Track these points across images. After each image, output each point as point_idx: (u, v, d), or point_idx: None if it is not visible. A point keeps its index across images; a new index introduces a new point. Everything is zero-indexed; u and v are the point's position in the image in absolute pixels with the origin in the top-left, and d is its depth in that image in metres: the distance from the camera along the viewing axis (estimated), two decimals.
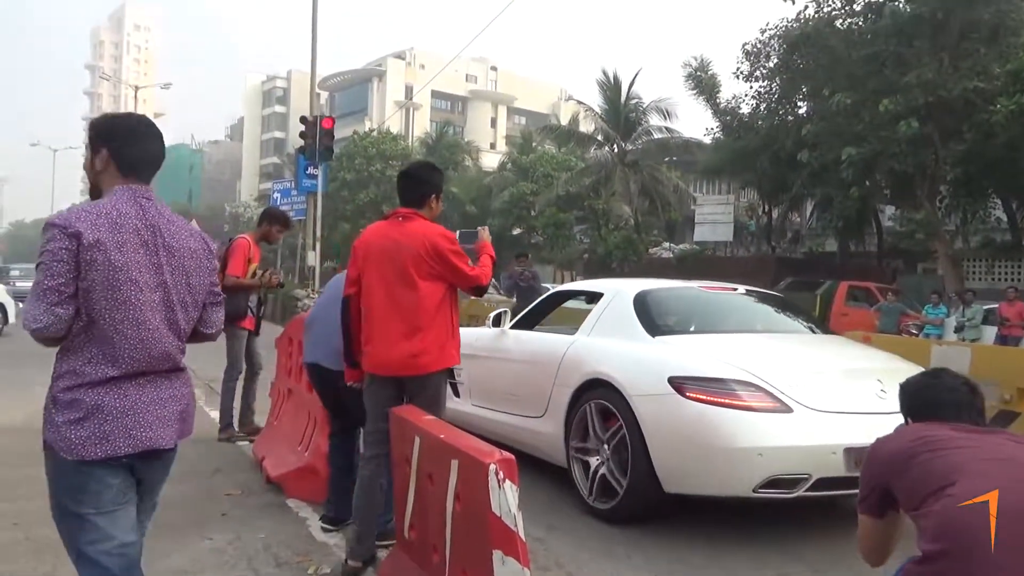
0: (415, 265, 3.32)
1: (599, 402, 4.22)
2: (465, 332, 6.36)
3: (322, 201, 38.47)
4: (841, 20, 18.95)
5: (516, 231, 36.43)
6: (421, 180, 3.57)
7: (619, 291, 4.80)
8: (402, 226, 3.42)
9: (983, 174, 17.29)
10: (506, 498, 2.34)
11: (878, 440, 2.07)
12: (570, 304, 6.22)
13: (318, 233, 19.00)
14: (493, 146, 65.71)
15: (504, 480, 2.35)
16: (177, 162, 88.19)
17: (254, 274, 5.85)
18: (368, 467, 3.42)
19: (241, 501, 4.42)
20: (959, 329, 14.28)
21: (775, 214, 26.89)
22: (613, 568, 3.58)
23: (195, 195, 77.42)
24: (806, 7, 18.92)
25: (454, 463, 2.61)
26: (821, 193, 20.87)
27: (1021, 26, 16.01)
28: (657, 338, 4.31)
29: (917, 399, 2.08)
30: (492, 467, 2.34)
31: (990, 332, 13.82)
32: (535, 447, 4.89)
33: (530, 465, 5.04)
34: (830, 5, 18.71)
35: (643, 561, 3.66)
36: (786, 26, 20.01)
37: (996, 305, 13.99)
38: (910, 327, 15.38)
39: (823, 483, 3.72)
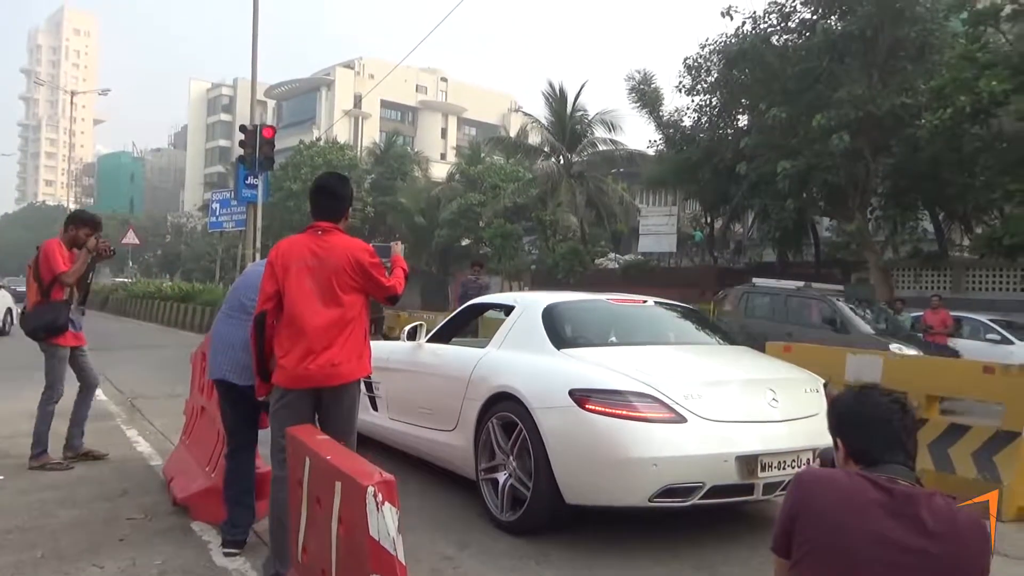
0: (338, 279, 3.38)
1: (504, 415, 4.23)
2: (381, 345, 6.36)
3: (266, 211, 37.91)
4: (777, 37, 19.49)
5: (465, 242, 36.45)
6: (339, 195, 3.59)
7: (529, 304, 4.84)
8: (323, 240, 3.45)
9: (911, 187, 17.92)
10: (385, 521, 2.30)
11: (807, 479, 1.89)
12: (494, 315, 6.24)
13: (258, 244, 18.69)
14: (443, 156, 65.72)
15: (383, 503, 2.31)
16: (118, 170, 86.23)
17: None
18: (282, 488, 3.32)
19: (142, 525, 4.28)
20: None
21: (717, 225, 27.39)
22: None
23: (136, 204, 75.57)
24: (744, 23, 19.43)
25: (338, 485, 2.58)
26: (759, 204, 21.37)
27: (945, 44, 16.65)
28: (562, 351, 4.35)
29: (847, 419, 1.98)
30: (370, 490, 2.30)
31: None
32: (448, 461, 4.89)
33: (446, 480, 5.04)
34: (766, 22, 19.24)
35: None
36: (725, 42, 20.48)
37: (922, 313, 14.42)
38: None
39: (717, 491, 3.80)
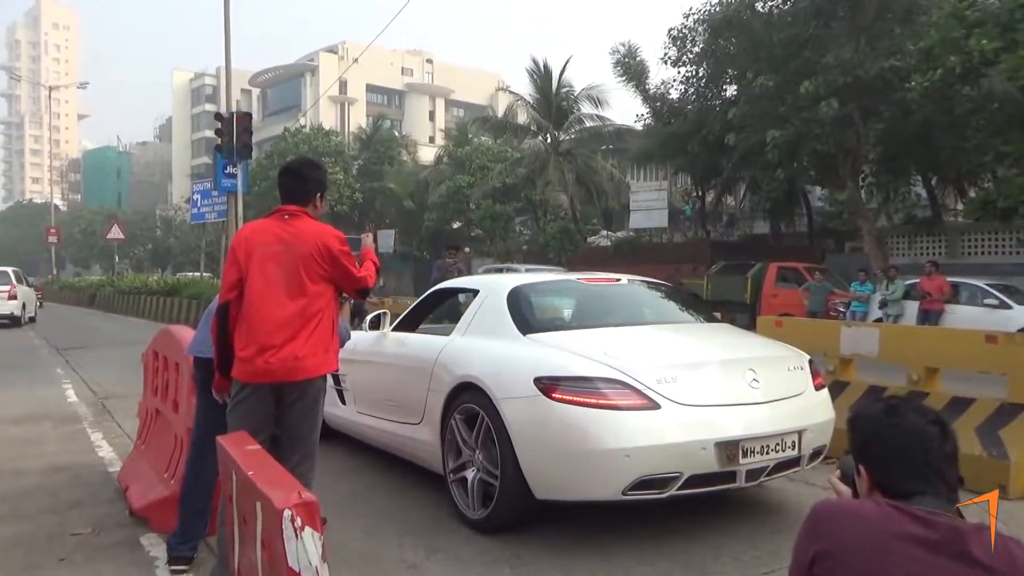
0: (306, 267, 3.13)
1: (468, 407, 3.96)
2: None
3: (253, 201, 37.51)
4: (762, 3, 19.11)
5: (456, 224, 36.07)
6: (308, 177, 3.33)
7: (494, 287, 4.54)
8: (290, 225, 3.18)
9: (902, 152, 17.60)
10: (305, 549, 2.00)
11: (826, 513, 1.56)
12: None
13: None
14: (432, 139, 65.12)
15: (303, 528, 2.01)
16: (104, 165, 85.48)
17: None
18: None
19: (88, 541, 3.97)
20: (883, 304, 14.44)
21: (708, 198, 27.08)
22: None
23: (124, 198, 74.97)
24: None
25: (259, 506, 2.30)
26: (749, 175, 21.06)
27: (932, 5, 16.26)
28: (528, 336, 4.06)
29: (873, 446, 1.59)
30: (287, 513, 2.01)
31: (912, 307, 13.99)
32: (415, 456, 4.63)
33: (418, 476, 4.76)
34: None
35: None
36: (710, 10, 20.10)
37: (917, 280, 14.18)
38: (837, 305, 15.56)
39: (696, 480, 3.53)
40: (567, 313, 4.58)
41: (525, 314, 4.25)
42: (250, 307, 3.12)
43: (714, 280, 19.90)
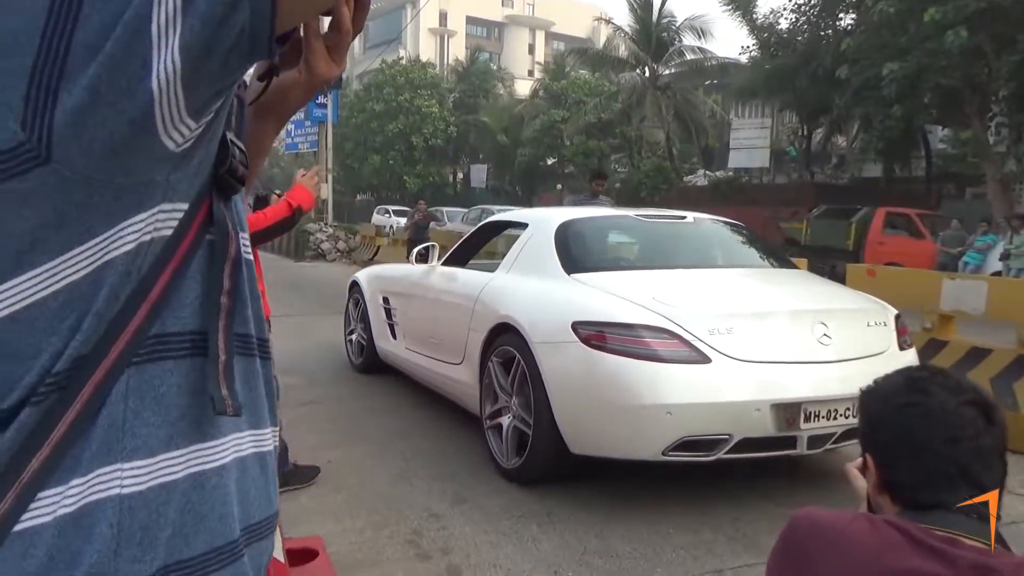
0: None
1: (505, 349, 3.68)
2: (394, 268, 5.88)
3: (349, 133, 37.93)
4: None
5: (550, 160, 35.41)
6: None
7: (543, 221, 4.19)
8: None
9: None
10: None
11: (805, 528, 1.12)
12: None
13: (329, 164, 18.52)
14: (531, 73, 63.87)
15: None
16: None
17: None
18: None
19: None
20: (1004, 257, 13.19)
21: (816, 138, 25.44)
22: (510, 557, 2.99)
23: None
24: None
25: None
26: (862, 113, 19.53)
27: None
28: (573, 276, 3.71)
29: (889, 431, 1.13)
30: None
31: None
32: (457, 397, 4.41)
33: (464, 418, 4.55)
34: None
35: (553, 547, 3.07)
36: None
37: None
38: (948, 251, 14.41)
39: (748, 444, 3.15)
40: (620, 252, 4.19)
41: (573, 252, 3.89)
42: None
43: (815, 225, 18.72)
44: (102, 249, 0.64)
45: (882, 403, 1.15)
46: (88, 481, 0.65)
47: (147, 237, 0.66)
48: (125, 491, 0.67)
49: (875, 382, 1.20)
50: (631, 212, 4.47)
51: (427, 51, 59.20)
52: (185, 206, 0.69)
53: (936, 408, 1.09)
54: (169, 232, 0.68)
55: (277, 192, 3.49)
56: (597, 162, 30.21)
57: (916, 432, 1.09)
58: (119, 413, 0.67)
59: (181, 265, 0.70)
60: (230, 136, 0.75)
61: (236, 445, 0.77)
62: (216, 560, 0.74)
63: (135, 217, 0.65)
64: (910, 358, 3.68)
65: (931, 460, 1.08)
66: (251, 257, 0.79)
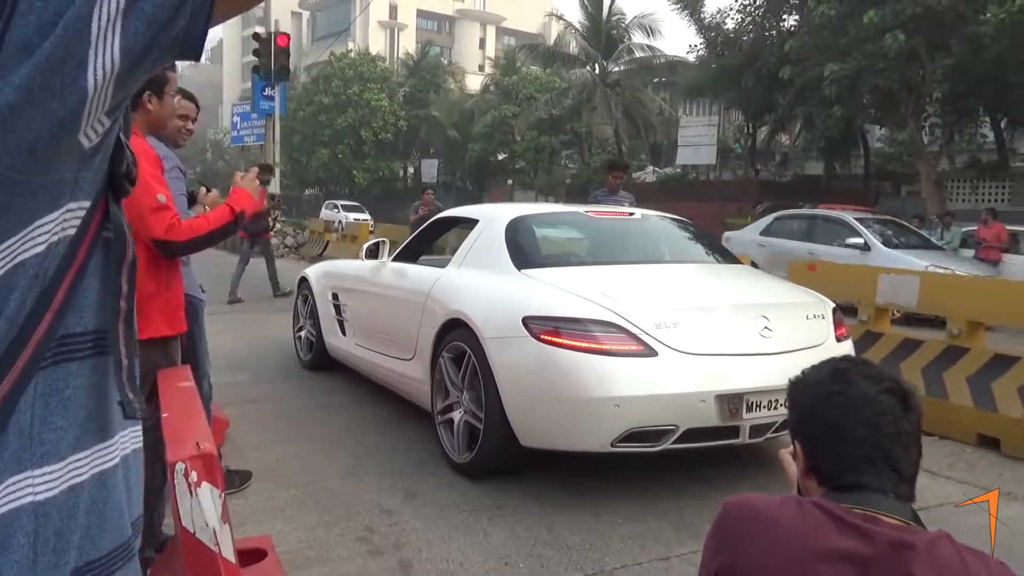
0: None
1: (456, 344, 3.70)
2: (344, 264, 5.85)
3: (297, 126, 37.27)
4: None
5: (501, 156, 35.41)
6: None
7: (494, 218, 4.22)
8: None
9: (971, 90, 16.46)
10: (201, 507, 1.74)
11: (736, 512, 1.21)
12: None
13: (277, 158, 18.23)
14: (482, 68, 63.70)
15: (199, 483, 1.75)
16: None
17: None
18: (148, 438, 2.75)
19: None
20: None
21: (760, 136, 26.00)
22: (462, 550, 3.02)
23: None
24: None
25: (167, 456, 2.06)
26: (805, 112, 20.03)
27: None
28: (523, 271, 3.75)
29: (815, 419, 1.21)
30: (180, 467, 1.73)
31: (968, 256, 13.25)
32: (408, 393, 4.42)
33: (413, 414, 4.56)
34: None
35: (503, 539, 3.10)
36: None
37: (975, 227, 13.39)
38: None
39: (694, 434, 3.24)
40: (570, 248, 4.25)
41: (523, 247, 3.93)
42: None
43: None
44: (15, 251, 0.61)
45: (808, 392, 1.24)
46: (0, 492, 0.63)
47: (55, 238, 0.64)
48: (39, 498, 0.65)
49: (803, 372, 1.29)
50: (580, 208, 4.53)
51: (377, 44, 58.56)
52: (88, 204, 0.67)
53: (857, 396, 1.17)
54: (73, 232, 0.66)
55: (206, 187, 3.41)
56: (548, 156, 30.35)
57: (839, 419, 1.18)
58: (27, 420, 0.64)
59: (82, 265, 0.68)
60: (122, 137, 0.73)
61: (122, 442, 0.77)
62: (119, 558, 0.73)
63: (47, 216, 0.63)
64: (847, 349, 3.82)
65: (853, 445, 1.16)
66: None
